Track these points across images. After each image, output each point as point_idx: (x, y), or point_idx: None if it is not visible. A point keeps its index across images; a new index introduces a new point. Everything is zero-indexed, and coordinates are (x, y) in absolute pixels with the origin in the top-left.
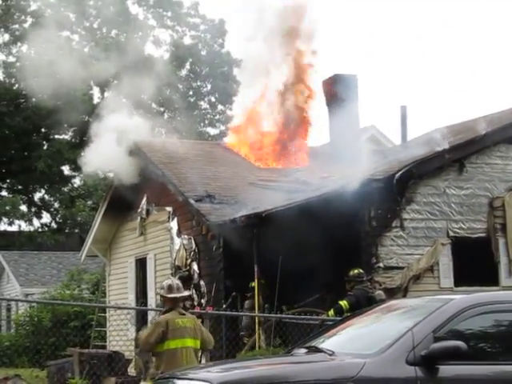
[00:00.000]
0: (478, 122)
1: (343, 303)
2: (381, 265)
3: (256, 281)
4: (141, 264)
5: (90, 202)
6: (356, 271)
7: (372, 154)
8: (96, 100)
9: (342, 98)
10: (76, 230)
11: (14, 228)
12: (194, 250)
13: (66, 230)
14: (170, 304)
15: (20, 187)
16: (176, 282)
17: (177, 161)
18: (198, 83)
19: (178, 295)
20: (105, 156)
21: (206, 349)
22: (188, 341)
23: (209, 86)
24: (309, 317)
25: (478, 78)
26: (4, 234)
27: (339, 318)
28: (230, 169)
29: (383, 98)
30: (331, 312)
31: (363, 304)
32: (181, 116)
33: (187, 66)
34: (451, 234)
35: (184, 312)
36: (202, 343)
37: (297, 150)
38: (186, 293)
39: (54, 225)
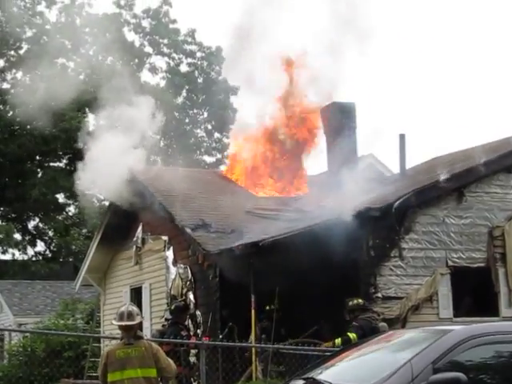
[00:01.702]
0: (477, 151)
1: (352, 336)
2: (379, 295)
3: (252, 311)
4: (136, 293)
5: (84, 231)
6: (356, 301)
7: (370, 183)
8: (91, 127)
9: (340, 126)
10: (70, 259)
11: (8, 256)
12: (190, 280)
13: (61, 259)
14: (122, 332)
15: (14, 215)
16: (131, 308)
17: (173, 189)
18: (195, 111)
19: (126, 323)
20: (100, 183)
21: (167, 377)
22: (131, 372)
23: (205, 114)
24: (307, 347)
25: (477, 106)
26: None
27: (337, 349)
28: (227, 197)
29: (382, 126)
30: (338, 341)
31: (368, 335)
32: (177, 144)
33: (183, 93)
34: (450, 263)
35: (132, 342)
36: (159, 371)
37: (295, 179)
38: (137, 320)
39: (48, 253)
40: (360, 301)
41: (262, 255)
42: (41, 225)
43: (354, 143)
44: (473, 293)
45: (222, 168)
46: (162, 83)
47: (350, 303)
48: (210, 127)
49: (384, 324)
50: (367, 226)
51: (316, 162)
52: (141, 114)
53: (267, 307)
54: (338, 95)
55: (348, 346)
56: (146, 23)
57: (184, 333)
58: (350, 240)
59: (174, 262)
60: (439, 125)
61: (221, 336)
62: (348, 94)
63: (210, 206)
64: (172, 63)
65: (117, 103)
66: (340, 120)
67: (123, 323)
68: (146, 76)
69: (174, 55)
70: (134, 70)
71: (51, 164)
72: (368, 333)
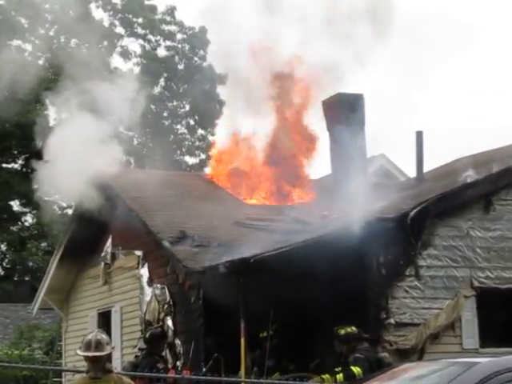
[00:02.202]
0: (507, 152)
1: (357, 370)
2: (392, 321)
3: (242, 339)
4: (104, 318)
5: (43, 244)
6: (350, 330)
7: (381, 189)
8: (52, 122)
9: (346, 122)
10: (27, 278)
11: None
12: (169, 302)
13: (15, 278)
14: (88, 364)
15: None
16: (99, 337)
17: (148, 195)
18: (175, 103)
19: (93, 354)
20: (62, 188)
21: None
22: None
23: (187, 107)
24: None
25: (505, 101)
26: None
27: None
28: (213, 205)
29: (395, 122)
30: (340, 376)
31: (375, 369)
32: (153, 142)
33: (161, 82)
34: (476, 284)
35: (100, 376)
36: None
37: (293, 183)
38: (106, 351)
39: (0, 271)
40: (354, 329)
41: (254, 273)
42: None
43: (363, 142)
44: (502, 319)
45: (207, 171)
46: (136, 70)
47: (343, 332)
48: (192, 122)
49: (386, 354)
50: (378, 239)
51: (317, 163)
52: (112, 104)
53: (261, 334)
54: (343, 86)
55: (353, 382)
56: None
57: (161, 365)
58: (358, 256)
59: (150, 282)
60: (462, 122)
61: (204, 369)
62: (356, 85)
63: (193, 215)
64: (148, 46)
65: (82, 93)
66: (346, 114)
67: (90, 354)
68: (116, 61)
69: (150, 37)
70: (103, 54)
71: (4, 165)
72: (374, 366)
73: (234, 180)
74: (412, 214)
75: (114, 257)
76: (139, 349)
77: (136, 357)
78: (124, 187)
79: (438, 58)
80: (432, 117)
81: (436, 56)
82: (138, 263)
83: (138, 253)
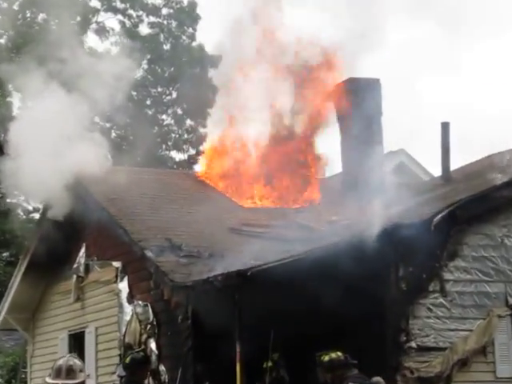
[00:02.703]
0: None
1: None
2: (413, 344)
3: (238, 366)
4: (77, 341)
5: (5, 254)
6: (335, 355)
7: (401, 190)
8: (16, 111)
9: (360, 112)
10: None
11: None
12: (152, 322)
13: None
14: None
15: None
16: (71, 362)
17: (129, 197)
18: (159, 89)
19: (64, 382)
20: (28, 189)
21: None
22: None
23: (174, 94)
24: None
25: None
26: None
27: None
28: (204, 209)
29: (417, 112)
30: None
31: None
32: (135, 135)
33: (144, 64)
34: None
35: None
36: None
37: (298, 183)
38: (79, 378)
39: None
40: (340, 354)
41: (252, 288)
42: None
43: (379, 135)
44: None
45: (197, 168)
46: (114, 50)
47: (327, 359)
48: (180, 112)
49: (379, 379)
50: (396, 249)
51: (324, 159)
52: (86, 90)
53: (264, 364)
54: (358, 70)
55: None
56: None
57: None
58: (373, 269)
59: (130, 298)
60: (496, 112)
61: None
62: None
63: (180, 220)
64: (128, 23)
65: (51, 77)
66: (359, 103)
67: (60, 382)
68: (92, 40)
69: (131, 12)
70: (76, 31)
71: None
72: None
73: (228, 179)
74: (436, 219)
75: (88, 269)
76: (118, 376)
77: None
78: (100, 188)
79: (475, 41)
80: (461, 106)
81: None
82: (117, 276)
83: (117, 264)
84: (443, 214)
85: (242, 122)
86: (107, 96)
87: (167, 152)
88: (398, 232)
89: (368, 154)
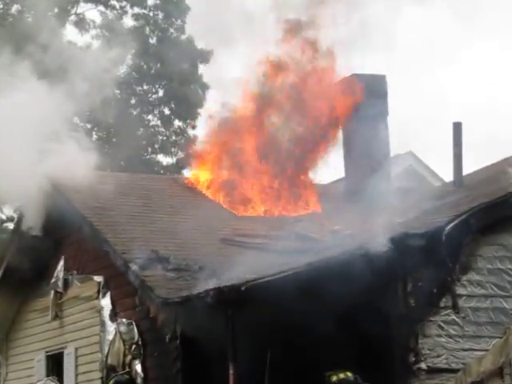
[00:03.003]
0: None
1: None
2: (423, 365)
3: None
4: (55, 363)
5: None
6: (344, 375)
7: (409, 196)
8: None
9: (364, 111)
10: None
11: None
12: (137, 342)
13: None
14: None
15: None
16: None
17: (112, 206)
18: (145, 87)
19: None
20: (1, 196)
21: None
22: None
23: (161, 92)
24: None
25: None
26: None
27: None
28: (194, 217)
29: (426, 111)
30: None
31: None
32: (118, 137)
33: (128, 60)
34: None
35: None
36: None
37: (297, 190)
38: None
39: None
40: (349, 374)
41: (246, 305)
42: None
43: (385, 136)
44: None
45: (186, 173)
46: (95, 44)
47: (335, 379)
48: (167, 112)
49: None
50: (404, 261)
51: (326, 163)
52: (65, 88)
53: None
54: (362, 67)
55: None
56: None
57: None
58: (379, 283)
59: (113, 316)
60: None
61: None
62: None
63: (168, 230)
64: (110, 15)
65: (27, 74)
66: (363, 102)
67: None
68: (71, 33)
69: (114, 2)
70: (54, 24)
71: None
72: None
73: (220, 186)
74: (448, 228)
75: (67, 284)
76: None
77: None
78: (81, 196)
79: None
80: (475, 105)
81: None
82: (98, 292)
83: (98, 279)
84: (455, 222)
85: (235, 123)
86: (88, 94)
87: (154, 156)
88: (406, 242)
89: (373, 157)
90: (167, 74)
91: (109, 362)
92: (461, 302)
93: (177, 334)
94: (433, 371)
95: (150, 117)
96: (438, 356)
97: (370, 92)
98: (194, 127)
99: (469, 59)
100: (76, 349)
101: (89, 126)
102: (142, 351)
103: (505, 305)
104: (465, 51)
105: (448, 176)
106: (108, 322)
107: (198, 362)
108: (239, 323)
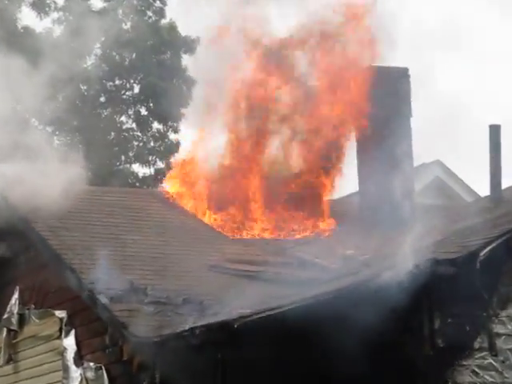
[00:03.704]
0: None
1: None
2: None
3: None
4: None
5: None
6: None
7: (436, 214)
8: None
9: (382, 112)
10: None
11: None
12: None
13: None
14: None
15: None
16: None
17: (76, 226)
18: (117, 82)
19: None
20: None
21: None
22: None
23: (136, 88)
24: None
25: None
26: None
27: None
28: (176, 240)
29: (457, 112)
30: None
31: None
32: (84, 142)
33: (96, 49)
34: None
35: None
36: None
37: (301, 207)
38: None
39: None
40: None
41: (239, 345)
42: None
43: (408, 143)
44: None
45: (167, 187)
46: (58, 31)
47: None
48: (144, 112)
49: None
50: (431, 293)
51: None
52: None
53: None
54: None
55: None
56: None
57: None
58: (401, 319)
59: (79, 359)
60: None
61: None
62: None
63: (145, 255)
64: None
65: None
66: (381, 100)
67: None
68: (27, 18)
69: None
70: (6, 5)
71: None
72: None
73: (208, 201)
74: (484, 253)
75: (22, 320)
76: None
77: None
78: (39, 214)
79: None
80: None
81: None
82: (61, 330)
83: (61, 314)
84: (493, 245)
85: (226, 125)
86: (48, 91)
87: (127, 165)
88: (434, 270)
89: (393, 167)
90: (144, 67)
91: None
92: (499, 343)
93: (155, 381)
94: None
95: (123, 118)
96: None
97: (390, 88)
98: (176, 131)
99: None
100: None
101: (49, 129)
102: None
103: None
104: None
105: (483, 189)
106: (72, 367)
107: None
108: (231, 367)
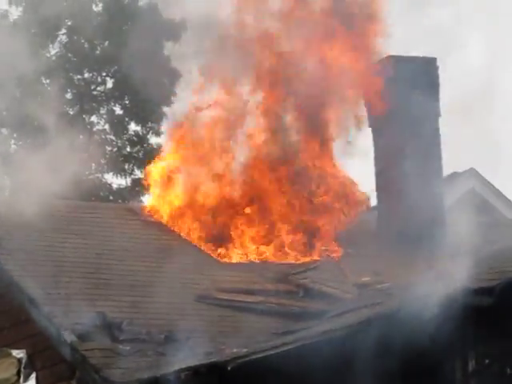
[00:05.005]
0: None
1: None
2: None
3: None
4: None
5: None
6: None
7: (470, 232)
8: None
9: (405, 110)
10: None
11: None
12: None
13: None
14: None
15: None
16: None
17: (38, 248)
18: (86, 75)
19: None
20: None
21: None
22: None
23: (110, 83)
24: None
25: None
26: None
27: None
28: (158, 264)
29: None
30: None
31: None
32: (49, 146)
33: (62, 35)
34: None
35: None
36: None
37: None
38: None
39: None
40: None
41: None
42: None
43: (437, 148)
44: None
45: (146, 200)
46: (16, 14)
47: None
48: (119, 111)
49: None
50: (464, 328)
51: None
52: None
53: None
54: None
55: None
56: None
57: None
58: (429, 360)
59: None
60: None
61: None
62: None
63: (121, 282)
64: None
65: None
66: (405, 96)
67: None
68: None
69: None
70: None
71: None
72: None
73: (195, 218)
74: None
75: None
76: None
77: None
78: None
79: None
80: None
81: None
82: (19, 373)
83: (19, 354)
84: None
85: (216, 125)
86: (3, 86)
87: (100, 175)
88: (468, 301)
89: (419, 176)
90: (119, 57)
91: None
92: None
93: None
94: None
95: (93, 118)
96: None
97: (415, 82)
98: (157, 133)
99: None
100: None
101: (5, 131)
102: None
103: None
104: None
105: None
106: None
107: None
108: None
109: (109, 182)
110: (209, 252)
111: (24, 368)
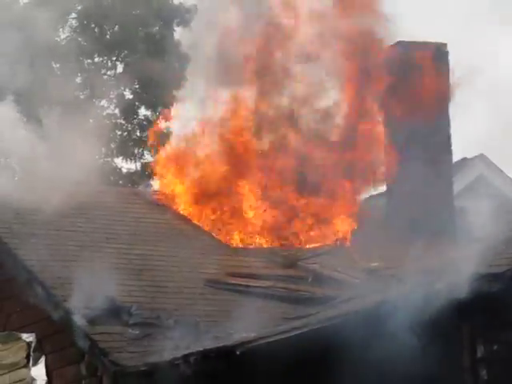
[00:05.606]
0: None
1: None
2: None
3: None
4: None
5: None
6: None
7: (479, 218)
8: None
9: (413, 94)
10: None
11: None
12: None
13: None
14: None
15: None
16: None
17: (47, 232)
18: (96, 60)
19: None
20: None
21: None
22: None
23: (120, 67)
24: None
25: None
26: None
27: None
28: (167, 248)
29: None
30: None
31: None
32: (55, 130)
33: (71, 20)
34: None
35: None
36: None
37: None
38: None
39: None
40: None
41: (241, 375)
42: None
43: (446, 134)
44: None
45: (155, 184)
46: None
47: None
48: (129, 95)
49: None
50: (473, 314)
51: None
52: None
53: None
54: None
55: None
56: None
57: None
58: (437, 346)
59: None
60: None
61: None
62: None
63: (129, 267)
64: None
65: None
66: (415, 84)
67: None
68: None
69: None
70: None
71: None
72: None
73: (205, 202)
74: None
75: None
76: None
77: None
78: (1, 216)
79: None
80: None
81: None
82: (28, 357)
83: (28, 338)
84: None
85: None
86: (12, 69)
87: (109, 159)
88: (477, 287)
89: (428, 162)
90: (129, 41)
91: None
92: None
93: None
94: None
95: (103, 102)
96: None
97: (426, 67)
98: (167, 118)
99: None
100: None
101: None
102: None
103: None
104: None
105: None
106: None
107: None
108: None
109: (118, 166)
110: (218, 236)
111: (33, 352)
